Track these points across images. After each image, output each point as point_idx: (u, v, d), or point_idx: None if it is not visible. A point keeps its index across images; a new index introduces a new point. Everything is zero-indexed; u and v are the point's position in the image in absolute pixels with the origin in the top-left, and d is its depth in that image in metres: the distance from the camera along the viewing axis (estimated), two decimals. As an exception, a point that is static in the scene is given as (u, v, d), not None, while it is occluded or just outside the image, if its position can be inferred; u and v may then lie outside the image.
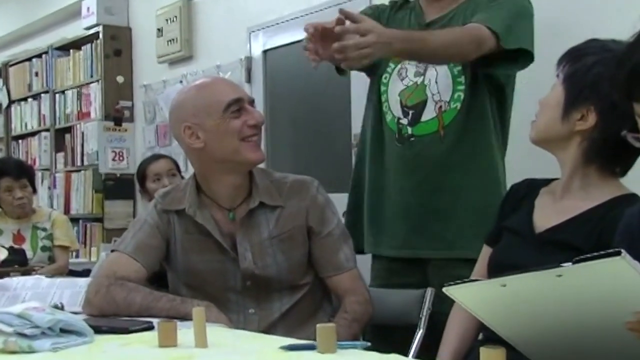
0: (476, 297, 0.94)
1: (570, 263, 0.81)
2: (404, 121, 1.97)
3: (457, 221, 1.90)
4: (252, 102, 1.72)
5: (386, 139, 2.01)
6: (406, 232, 1.95)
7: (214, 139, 1.66)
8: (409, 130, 1.95)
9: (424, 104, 1.94)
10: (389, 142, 2.00)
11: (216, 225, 1.71)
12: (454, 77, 1.91)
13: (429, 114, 1.93)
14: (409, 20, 2.02)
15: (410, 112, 1.96)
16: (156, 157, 3.35)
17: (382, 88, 2.03)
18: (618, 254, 0.78)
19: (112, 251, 1.75)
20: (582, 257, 0.81)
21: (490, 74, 1.90)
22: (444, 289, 0.93)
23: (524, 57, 1.86)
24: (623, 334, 0.87)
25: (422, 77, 1.95)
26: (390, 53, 1.79)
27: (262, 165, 1.78)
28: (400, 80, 1.98)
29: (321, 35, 1.67)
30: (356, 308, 1.68)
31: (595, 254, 0.80)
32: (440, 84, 1.92)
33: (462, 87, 1.91)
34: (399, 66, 1.99)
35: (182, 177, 3.17)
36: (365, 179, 2.08)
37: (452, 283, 0.92)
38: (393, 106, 2.00)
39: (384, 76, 2.02)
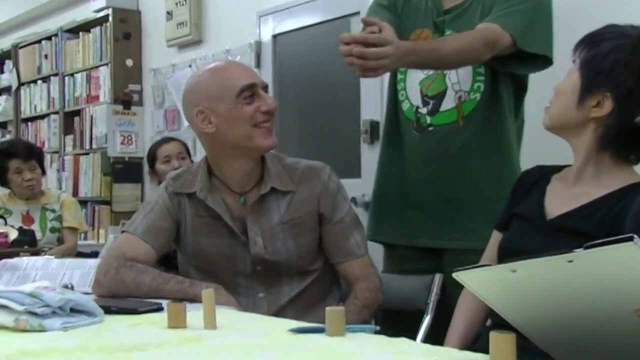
0: (486, 282, 0.93)
1: (581, 249, 0.81)
2: (423, 110, 1.96)
3: (474, 211, 1.89)
4: (265, 87, 1.71)
5: (402, 128, 2.00)
6: (422, 221, 1.95)
7: (226, 124, 1.66)
8: (428, 119, 1.94)
9: (443, 93, 1.93)
10: (406, 131, 1.99)
11: (227, 209, 1.71)
12: (474, 67, 1.90)
13: (448, 103, 1.93)
14: (426, 6, 2.00)
15: (431, 101, 1.95)
16: (167, 140, 3.39)
17: (399, 76, 2.02)
18: (630, 239, 0.78)
19: (123, 232, 1.76)
20: (593, 242, 0.81)
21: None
22: (453, 274, 0.93)
23: (543, 59, 1.85)
24: (633, 321, 0.86)
25: None
26: (402, 65, 1.82)
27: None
28: (421, 69, 1.97)
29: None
30: (367, 295, 1.68)
31: (607, 239, 0.80)
32: (460, 74, 1.91)
33: (481, 78, 1.90)
34: None
35: (192, 161, 3.18)
36: (380, 167, 2.09)
37: (462, 268, 0.92)
38: (412, 95, 1.99)
39: None
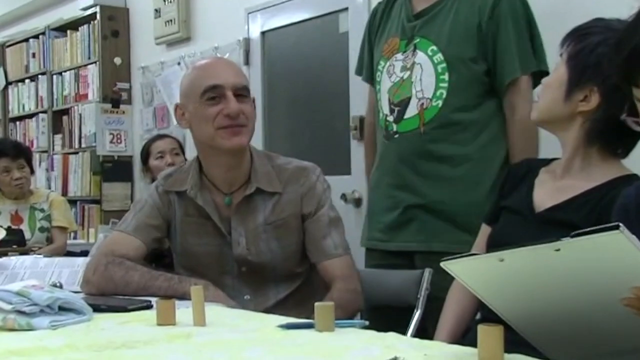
0: (474, 272, 0.93)
1: (568, 237, 0.81)
2: (390, 118, 2.00)
3: (441, 215, 1.93)
4: (240, 88, 1.66)
5: (378, 136, 2.06)
6: (393, 225, 2.00)
7: (194, 123, 1.68)
8: (394, 127, 1.99)
9: (408, 100, 1.97)
10: (380, 138, 2.05)
11: (215, 209, 1.70)
12: (438, 75, 1.93)
13: (412, 111, 1.96)
14: (399, 13, 2.04)
15: (396, 109, 1.99)
16: (161, 136, 3.40)
17: (377, 87, 2.07)
18: (616, 228, 0.78)
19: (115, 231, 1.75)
20: (580, 231, 0.81)
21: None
22: (441, 264, 0.93)
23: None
24: (620, 310, 0.87)
25: (407, 72, 1.98)
26: None
27: (260, 146, 1.78)
28: (388, 77, 2.02)
29: None
30: (343, 295, 1.61)
31: (594, 228, 0.80)
32: (424, 82, 1.94)
33: (444, 85, 1.92)
34: (388, 63, 2.02)
35: (185, 159, 3.18)
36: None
37: (450, 257, 0.92)
38: (383, 104, 2.03)
39: (377, 74, 2.06)
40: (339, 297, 1.63)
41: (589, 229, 0.81)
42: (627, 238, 0.80)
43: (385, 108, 2.01)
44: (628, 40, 1.04)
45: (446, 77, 1.92)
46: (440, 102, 1.92)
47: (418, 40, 1.96)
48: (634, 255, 0.81)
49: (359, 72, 2.24)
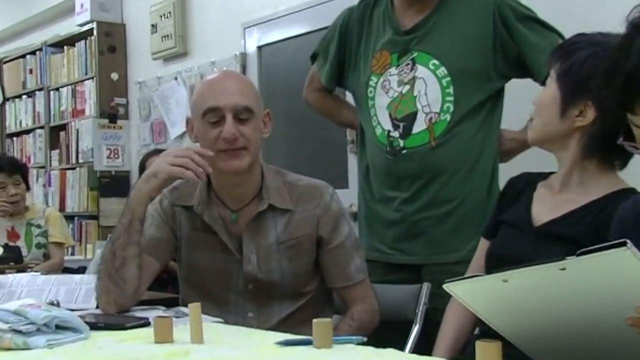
0: (477, 293, 0.92)
1: (574, 256, 0.80)
2: (395, 134, 1.98)
3: (451, 227, 1.93)
4: (241, 110, 1.60)
5: (377, 152, 2.02)
6: (399, 238, 1.98)
7: (200, 140, 1.67)
8: (401, 143, 1.97)
9: (414, 115, 1.96)
10: (380, 155, 2.01)
11: (223, 226, 1.67)
12: (443, 89, 1.93)
13: (419, 125, 1.95)
14: (384, 26, 2.02)
15: (401, 124, 1.97)
16: (157, 151, 3.37)
17: (370, 102, 2.04)
18: (623, 245, 0.77)
19: None
20: (586, 249, 0.80)
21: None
22: (444, 286, 0.92)
23: None
24: (624, 329, 0.86)
25: (407, 87, 1.97)
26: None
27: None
28: (385, 93, 2.00)
29: None
30: (363, 317, 1.65)
31: (600, 245, 0.79)
32: (430, 96, 1.94)
33: (450, 99, 1.93)
34: (382, 79, 2.01)
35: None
36: (359, 189, 2.13)
37: (452, 279, 0.91)
38: (382, 119, 2.01)
39: (369, 90, 2.04)
40: (360, 319, 1.65)
41: (594, 247, 0.80)
42: (634, 255, 0.79)
43: (386, 124, 1.99)
44: (620, 67, 1.02)
45: (451, 90, 1.92)
46: (448, 116, 1.93)
47: (416, 54, 1.95)
48: None
49: (329, 83, 2.20)
